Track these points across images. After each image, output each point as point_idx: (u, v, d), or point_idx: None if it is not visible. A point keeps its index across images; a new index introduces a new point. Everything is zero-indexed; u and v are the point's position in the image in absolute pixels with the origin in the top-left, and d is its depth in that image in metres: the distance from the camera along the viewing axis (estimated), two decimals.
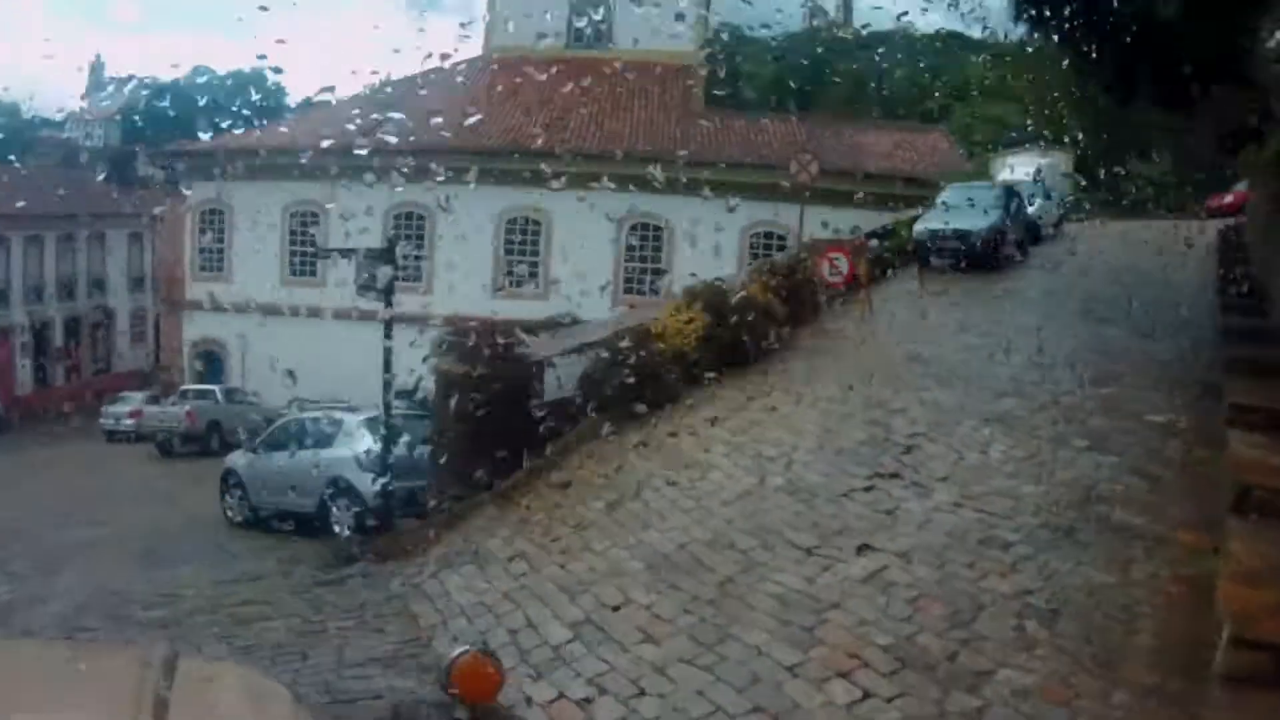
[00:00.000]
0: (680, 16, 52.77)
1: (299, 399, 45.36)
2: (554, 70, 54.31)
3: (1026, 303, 28.56)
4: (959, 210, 34.20)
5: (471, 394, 18.53)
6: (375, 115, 48.09)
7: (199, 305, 52.81)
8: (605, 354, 21.05)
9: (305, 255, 52.33)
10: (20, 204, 57.54)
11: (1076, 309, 26.58)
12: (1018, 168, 39.53)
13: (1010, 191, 36.64)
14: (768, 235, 50.06)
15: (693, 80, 54.01)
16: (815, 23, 73.57)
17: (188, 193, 54.74)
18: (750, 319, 22.61)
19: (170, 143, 52.45)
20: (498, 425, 18.42)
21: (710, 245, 46.56)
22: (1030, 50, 47.88)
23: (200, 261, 54.69)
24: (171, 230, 56.69)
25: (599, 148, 48.36)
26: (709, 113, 51.40)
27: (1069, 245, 38.06)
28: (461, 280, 46.19)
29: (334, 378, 45.46)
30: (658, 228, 49.49)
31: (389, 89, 48.00)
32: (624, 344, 20.61)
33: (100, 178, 71.95)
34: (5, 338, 64.73)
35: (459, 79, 56.12)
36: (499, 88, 53.62)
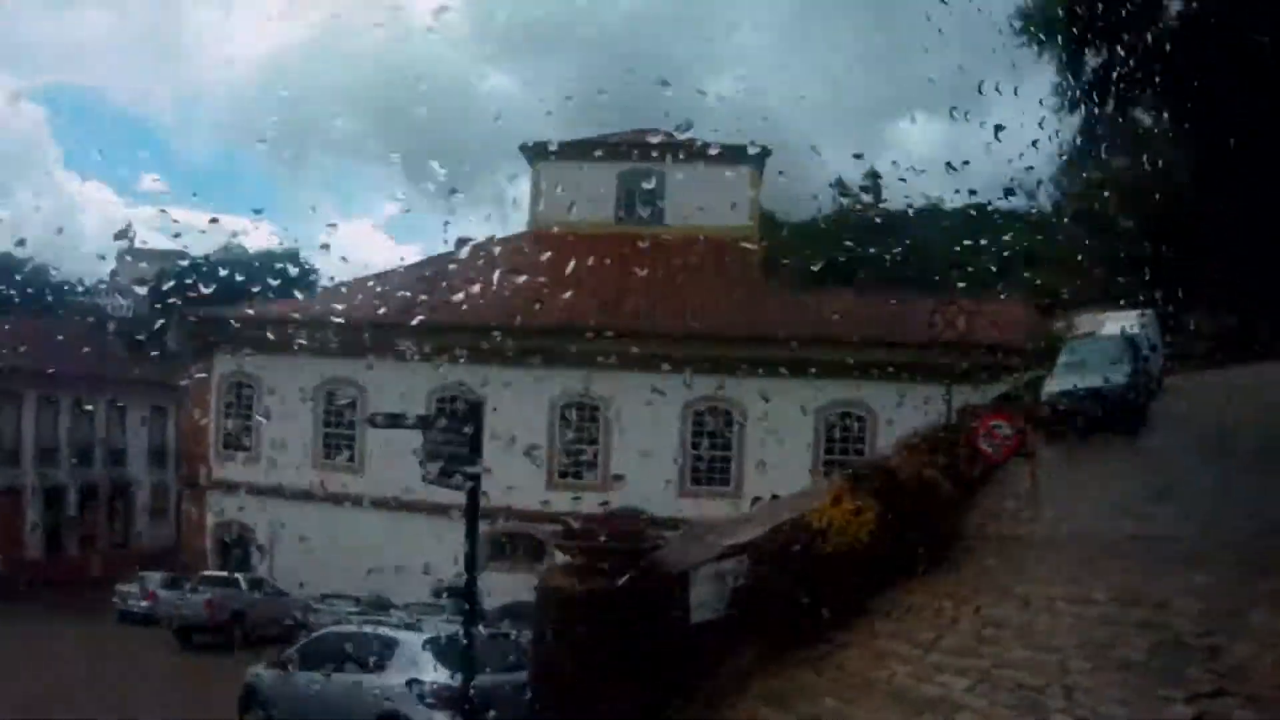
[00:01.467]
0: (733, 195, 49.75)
1: (331, 595, 42.40)
2: (603, 248, 51.12)
3: (1188, 458, 25.80)
4: (1088, 368, 31.41)
5: (593, 616, 14.38)
6: (408, 293, 45.60)
7: (225, 485, 50.83)
8: (758, 559, 16.25)
9: (340, 437, 50.25)
10: (28, 357, 54.71)
11: (1247, 464, 23.13)
12: (1108, 325, 36.35)
13: (1134, 344, 33.96)
14: (845, 416, 48.32)
15: (749, 256, 50.65)
16: (845, 202, 72.69)
17: (201, 370, 53.81)
18: (922, 505, 18.13)
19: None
20: (627, 658, 14.25)
21: (784, 429, 45.13)
22: (1067, 219, 49.92)
23: (226, 438, 52.22)
24: (196, 404, 53.76)
25: (658, 328, 47.10)
26: (768, 289, 48.12)
27: (1174, 397, 34.90)
28: (517, 468, 42.67)
29: (370, 573, 42.54)
30: (727, 411, 46.17)
31: (427, 270, 47.18)
32: (784, 544, 16.13)
33: (126, 345, 69.76)
34: (13, 497, 62.32)
35: (501, 256, 53.31)
36: (546, 263, 51.79)
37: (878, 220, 61.03)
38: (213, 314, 49.03)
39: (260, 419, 51.65)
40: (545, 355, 42.69)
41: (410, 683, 21.38)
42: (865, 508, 17.07)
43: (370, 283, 46.70)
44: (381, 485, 44.05)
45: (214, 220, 60.58)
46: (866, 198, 68.22)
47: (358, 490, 45.77)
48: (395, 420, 27.79)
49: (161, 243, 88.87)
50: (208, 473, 52.08)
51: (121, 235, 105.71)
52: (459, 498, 44.72)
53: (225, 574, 46.96)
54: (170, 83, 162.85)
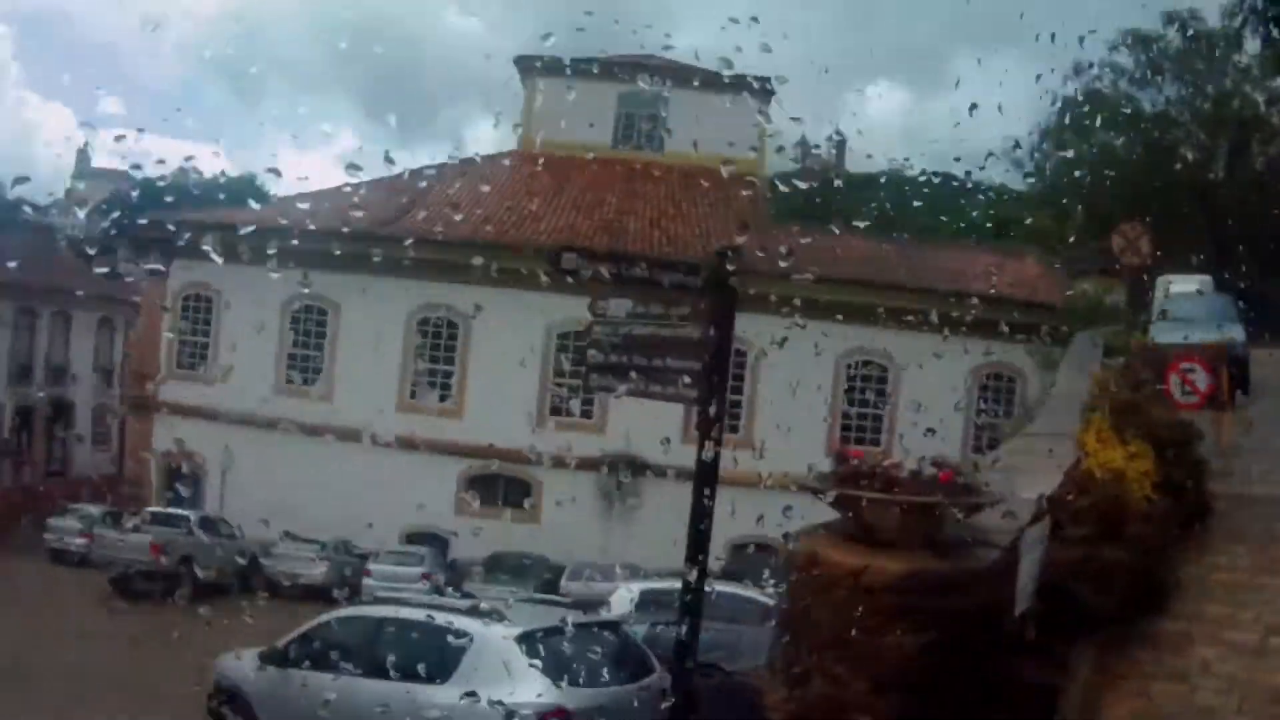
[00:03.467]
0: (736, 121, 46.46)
1: (292, 535, 38.72)
2: (599, 171, 47.90)
3: None
4: (1197, 324, 28.24)
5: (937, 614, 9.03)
6: (382, 205, 42.18)
7: (175, 409, 47.75)
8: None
9: (307, 360, 47.45)
10: None
11: None
12: (1175, 287, 33.44)
13: (1236, 302, 32.05)
14: (866, 364, 46.32)
15: (753, 189, 47.80)
16: (808, 163, 70.97)
17: (155, 281, 51.01)
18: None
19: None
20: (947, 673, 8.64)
21: (797, 377, 40.65)
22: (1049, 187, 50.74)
23: (179, 357, 49.16)
24: (148, 312, 51.56)
25: (664, 254, 43.17)
26: (774, 224, 44.57)
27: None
28: (498, 405, 39.03)
29: (336, 515, 41.75)
30: (739, 352, 42.55)
31: (416, 178, 44.75)
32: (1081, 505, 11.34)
33: (76, 258, 67.70)
34: None
35: (490, 173, 52.55)
36: (541, 183, 50.12)
37: (838, 184, 59.09)
38: (169, 219, 44.84)
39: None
40: (540, 278, 38.78)
41: (496, 705, 13.75)
42: (1139, 451, 12.40)
43: (341, 191, 42.47)
44: (351, 415, 41.96)
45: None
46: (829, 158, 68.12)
47: (325, 420, 42.25)
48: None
49: (117, 165, 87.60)
50: (156, 394, 48.50)
51: (80, 156, 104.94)
52: (430, 430, 41.27)
53: (173, 510, 43.38)
54: (136, 7, 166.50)
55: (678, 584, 23.74)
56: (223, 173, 69.28)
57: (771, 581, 33.19)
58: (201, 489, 46.68)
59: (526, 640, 14.99)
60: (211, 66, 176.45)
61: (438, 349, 46.26)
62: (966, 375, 44.18)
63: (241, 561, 40.78)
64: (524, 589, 37.07)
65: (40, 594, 37.92)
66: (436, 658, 15.05)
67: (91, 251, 72.73)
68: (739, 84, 47.45)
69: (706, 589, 10.98)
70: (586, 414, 45.18)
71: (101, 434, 68.45)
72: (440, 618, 16.29)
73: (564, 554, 39.88)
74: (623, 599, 27.48)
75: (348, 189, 42.66)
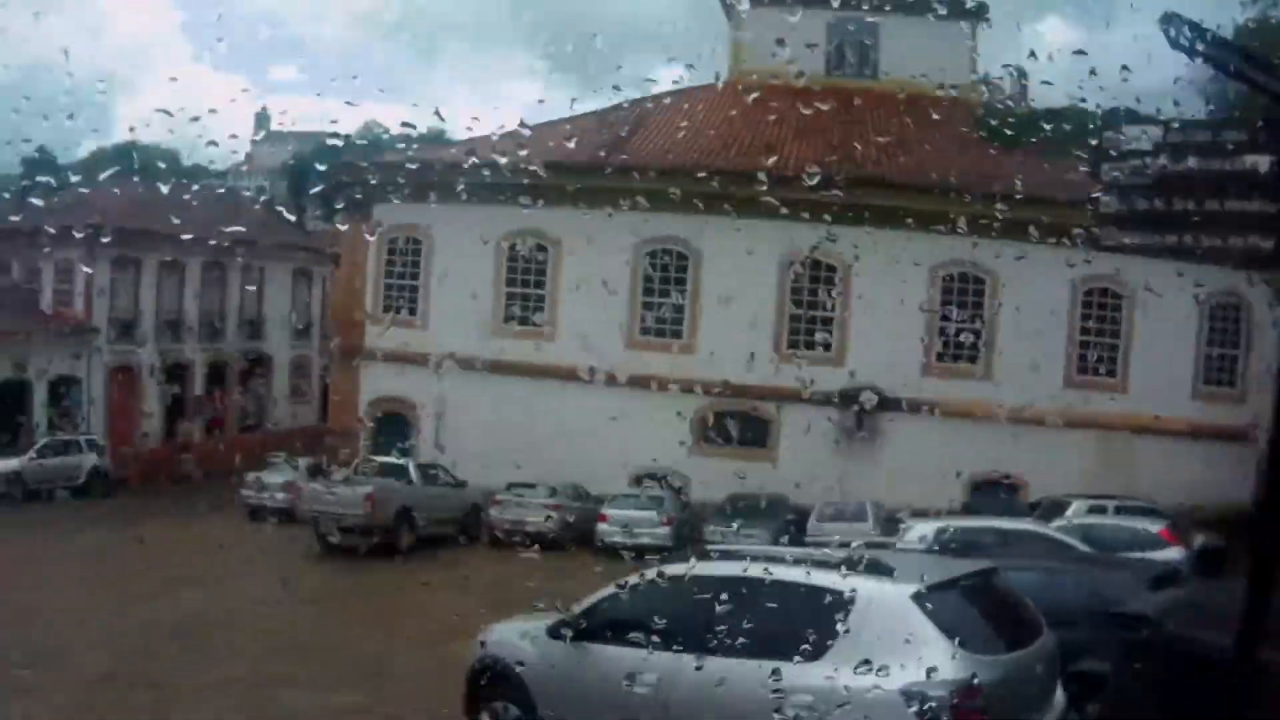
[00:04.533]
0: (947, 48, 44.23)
1: (519, 484, 37.30)
2: (813, 100, 46.16)
3: None
4: None
5: None
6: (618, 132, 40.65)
7: (384, 355, 46.61)
8: None
9: (525, 299, 46.19)
10: (148, 220, 49.14)
11: None
12: None
13: None
14: (1103, 293, 44.16)
15: (970, 115, 45.59)
16: (992, 95, 68.78)
17: (358, 225, 48.24)
18: None
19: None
20: None
21: (1038, 302, 40.48)
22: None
23: (386, 302, 47.67)
24: (351, 260, 49.72)
25: (897, 177, 42.70)
26: (997, 151, 42.54)
27: None
28: (732, 338, 37.38)
29: (561, 459, 40.00)
30: (979, 279, 40.45)
31: (626, 111, 44.07)
32: None
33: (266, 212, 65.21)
34: (129, 376, 58.81)
35: (705, 105, 50.95)
36: (759, 113, 48.21)
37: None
38: (371, 160, 43.52)
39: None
40: (768, 206, 36.82)
41: (910, 695, 10.56)
42: None
43: (551, 127, 40.76)
44: (576, 354, 40.20)
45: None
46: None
47: (547, 360, 41.94)
48: None
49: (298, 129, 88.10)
50: (362, 342, 47.48)
51: (260, 121, 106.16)
52: (661, 367, 39.47)
53: (392, 459, 41.60)
54: None
55: (971, 523, 21.08)
56: (409, 128, 68.50)
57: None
58: (414, 437, 45.86)
59: (930, 598, 11.52)
60: (387, 29, 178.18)
61: (666, 282, 44.85)
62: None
63: (464, 511, 39.61)
64: (766, 531, 35.34)
65: (242, 552, 36.92)
66: (805, 626, 11.38)
67: (280, 208, 71.98)
68: (951, 10, 45.36)
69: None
70: (825, 345, 43.62)
71: (300, 386, 68.42)
72: (806, 574, 12.24)
73: (803, 493, 38.01)
74: (913, 541, 25.06)
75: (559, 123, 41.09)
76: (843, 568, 11.83)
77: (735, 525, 36.15)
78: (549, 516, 37.64)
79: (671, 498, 40.34)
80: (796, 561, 12.91)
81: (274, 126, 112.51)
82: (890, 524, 35.08)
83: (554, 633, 13.38)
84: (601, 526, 37.95)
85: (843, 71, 51.42)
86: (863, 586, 11.48)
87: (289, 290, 67.42)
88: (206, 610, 25.89)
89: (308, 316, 68.50)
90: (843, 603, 11.38)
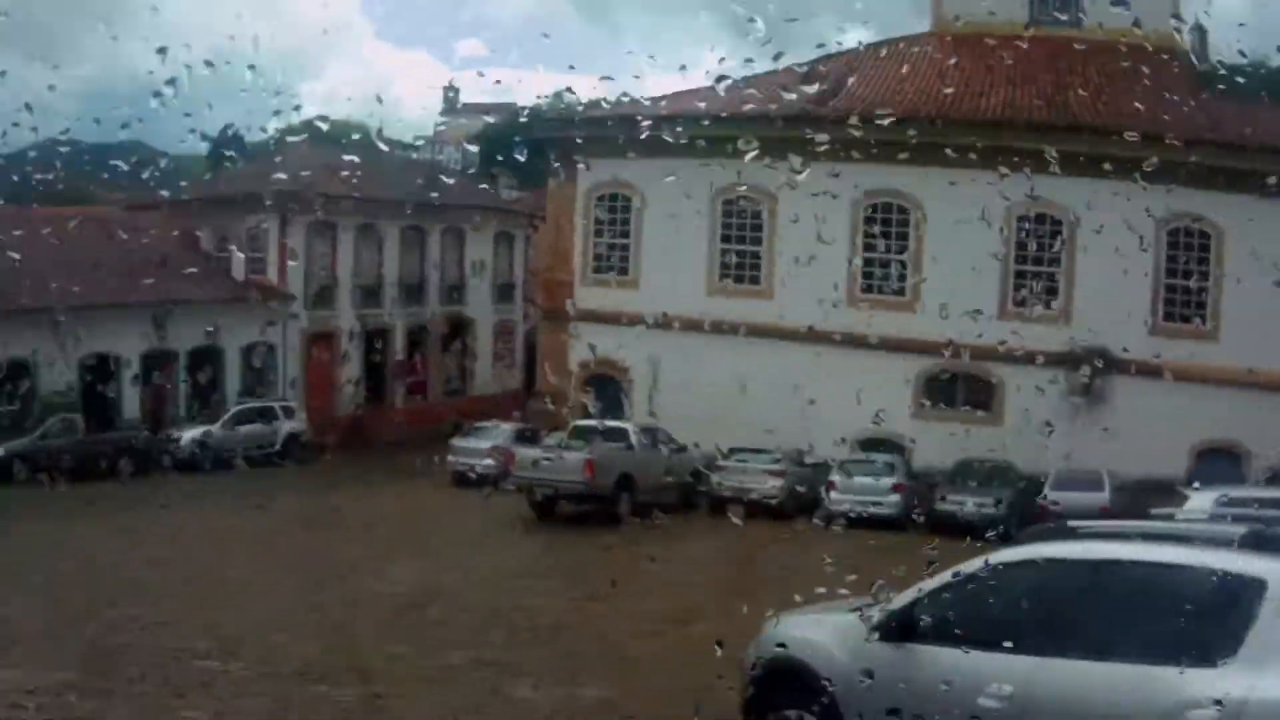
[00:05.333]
0: None
1: (740, 449, 36.66)
2: (1018, 49, 44.57)
3: None
4: None
5: None
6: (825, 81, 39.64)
7: (593, 317, 45.32)
8: None
9: (742, 255, 45.32)
10: (344, 185, 48.66)
11: None
12: None
13: None
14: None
15: (1180, 64, 43.40)
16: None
17: (563, 182, 48.51)
18: None
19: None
20: None
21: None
22: None
23: (595, 262, 47.67)
24: (557, 220, 49.62)
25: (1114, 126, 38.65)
26: (1211, 102, 40.78)
27: None
28: (955, 295, 37.11)
29: (778, 422, 38.79)
30: (1204, 234, 38.76)
31: (829, 62, 41.92)
32: None
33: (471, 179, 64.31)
34: (327, 342, 59.36)
35: (908, 56, 49.40)
36: (964, 62, 46.98)
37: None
38: (577, 116, 42.85)
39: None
40: (986, 156, 35.48)
41: None
42: None
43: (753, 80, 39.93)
44: (792, 312, 40.22)
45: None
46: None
47: (762, 319, 41.02)
48: None
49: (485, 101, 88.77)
50: (572, 302, 47.26)
51: (446, 95, 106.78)
52: (882, 326, 38.17)
53: (608, 423, 40.76)
54: None
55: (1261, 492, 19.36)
56: (608, 79, 67.95)
57: None
58: (626, 400, 45.76)
59: None
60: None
61: (888, 236, 44.05)
62: None
63: (686, 478, 38.81)
64: (992, 499, 34.21)
65: (451, 521, 36.90)
66: (1209, 621, 9.30)
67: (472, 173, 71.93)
68: None
69: None
70: (1048, 303, 42.37)
71: (503, 350, 68.35)
72: (1200, 557, 9.82)
73: (1029, 459, 36.83)
74: (1196, 509, 23.30)
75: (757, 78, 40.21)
76: (1238, 545, 9.73)
77: (970, 493, 35.11)
78: (775, 484, 36.77)
79: (901, 463, 39.39)
80: (1182, 540, 10.58)
81: (462, 100, 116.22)
82: (1120, 493, 33.94)
83: (881, 630, 10.74)
84: (832, 495, 37.02)
85: (1046, 21, 49.58)
86: (1273, 571, 9.15)
87: (490, 253, 67.13)
88: (417, 587, 24.84)
89: (510, 279, 68.47)
90: (1253, 590, 9.08)
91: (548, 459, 36.92)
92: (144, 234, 51.82)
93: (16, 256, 42.71)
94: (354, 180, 47.66)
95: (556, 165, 47.45)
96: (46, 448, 43.46)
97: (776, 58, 39.20)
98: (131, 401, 50.89)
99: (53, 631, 19.29)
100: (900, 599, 10.85)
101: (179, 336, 51.71)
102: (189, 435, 48.13)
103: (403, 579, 25.71)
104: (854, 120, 37.44)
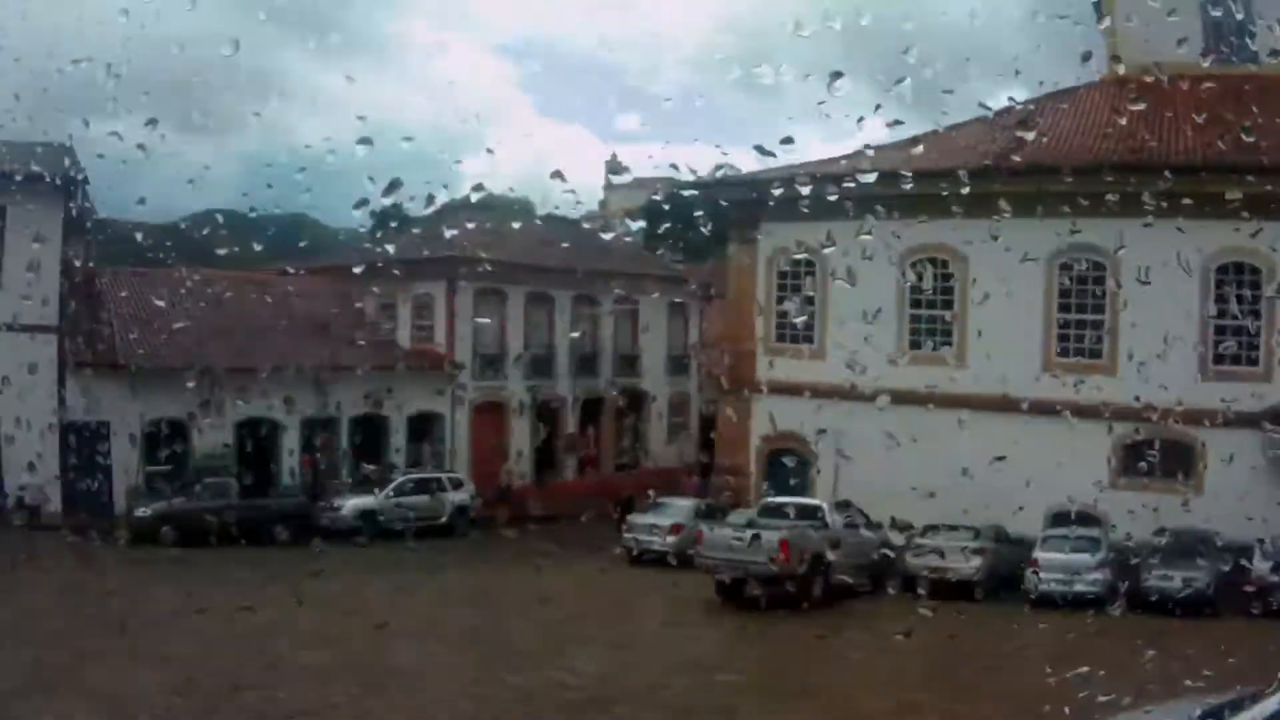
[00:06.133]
0: None
1: (935, 526, 37.98)
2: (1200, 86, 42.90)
3: None
4: None
5: None
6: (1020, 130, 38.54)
7: (774, 387, 44.77)
8: None
9: (930, 320, 44.30)
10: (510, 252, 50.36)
11: None
12: None
13: None
14: None
15: None
16: None
17: (742, 249, 47.77)
18: None
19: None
20: None
21: None
22: None
23: (777, 330, 46.79)
24: (737, 288, 49.20)
25: None
26: None
27: None
28: (1154, 355, 35.67)
29: (972, 496, 36.18)
30: None
31: (1008, 116, 40.26)
32: None
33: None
34: (496, 413, 58.93)
35: (1088, 103, 48.16)
36: (1146, 106, 44.74)
37: None
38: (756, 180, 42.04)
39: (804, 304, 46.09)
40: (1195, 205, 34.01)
41: None
42: None
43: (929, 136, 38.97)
44: (984, 379, 39.01)
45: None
46: None
47: (950, 387, 39.33)
48: None
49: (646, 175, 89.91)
50: (753, 373, 46.03)
51: (613, 167, 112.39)
52: (1076, 392, 36.48)
53: (798, 500, 39.21)
54: (631, 26, 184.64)
55: None
56: (767, 155, 66.96)
57: None
58: (809, 475, 44.04)
59: None
60: (717, 72, 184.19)
61: (1084, 295, 42.11)
62: None
63: (880, 557, 37.59)
64: (1199, 572, 32.48)
65: (630, 603, 36.23)
66: None
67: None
68: None
69: None
70: (1251, 360, 40.17)
71: (678, 423, 67.43)
72: None
73: (1232, 527, 34.99)
74: None
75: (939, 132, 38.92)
76: None
77: (1175, 568, 33.24)
78: (975, 563, 35.23)
79: (1103, 538, 37.38)
80: None
81: (624, 175, 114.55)
82: None
83: None
84: (1032, 573, 35.04)
85: (1219, 59, 47.81)
86: None
87: (664, 324, 66.52)
88: (601, 680, 23.61)
89: (683, 350, 67.75)
90: None
91: (738, 539, 34.85)
92: (306, 299, 51.95)
93: (176, 320, 43.07)
94: (522, 249, 47.30)
95: (735, 232, 46.82)
96: (197, 510, 43.05)
97: (936, 124, 37.74)
98: (290, 467, 51.35)
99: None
100: None
101: (341, 403, 52.09)
102: (351, 504, 47.86)
103: (584, 669, 24.45)
104: (1044, 172, 36.49)
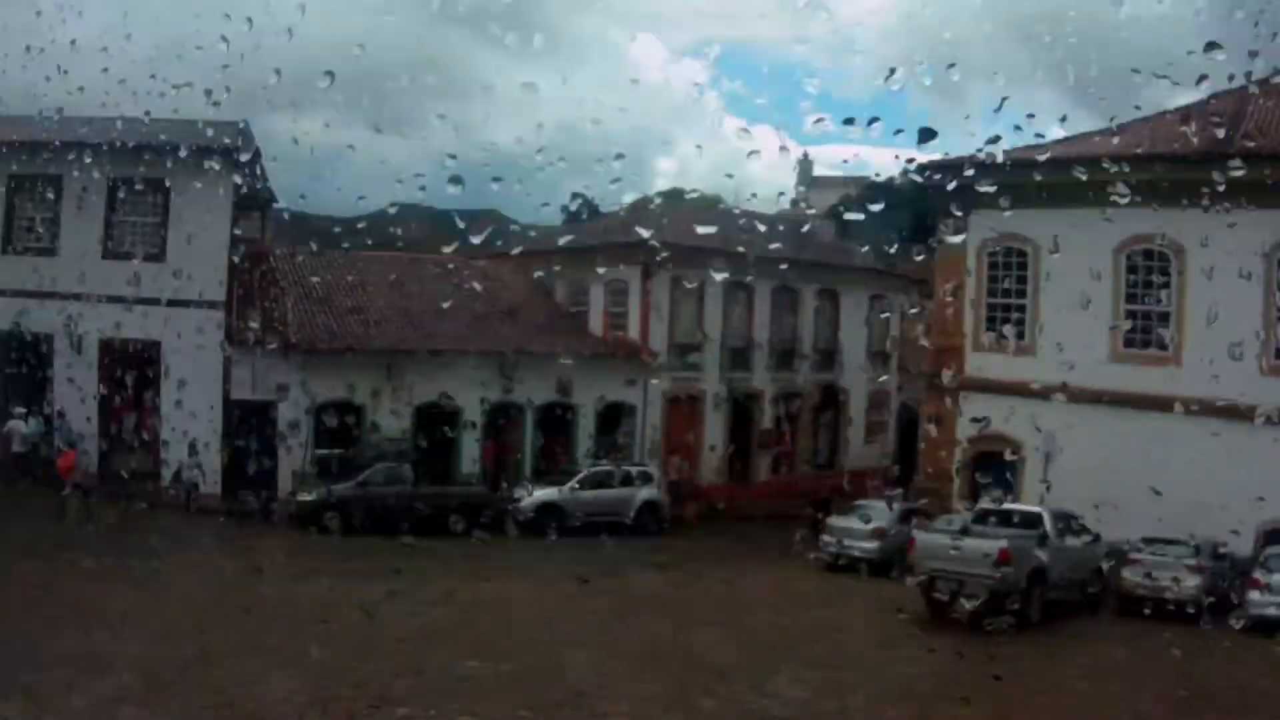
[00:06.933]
0: None
1: (1153, 538, 34.49)
2: None
3: None
4: None
5: None
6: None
7: (982, 386, 42.90)
8: None
9: (1147, 316, 41.53)
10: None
11: None
12: None
13: None
14: None
15: None
16: None
17: (950, 236, 44.28)
18: None
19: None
20: None
21: None
22: None
23: (986, 325, 45.04)
24: (943, 281, 47.58)
25: None
26: None
27: None
28: None
29: (1186, 504, 33.12)
30: None
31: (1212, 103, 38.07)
32: None
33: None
34: (692, 406, 57.60)
35: None
36: None
37: None
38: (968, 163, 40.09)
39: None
40: None
41: None
42: None
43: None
44: (1205, 381, 34.75)
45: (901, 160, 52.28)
46: None
47: (1172, 389, 36.34)
48: None
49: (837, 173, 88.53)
50: (957, 370, 44.48)
51: (801, 168, 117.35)
52: None
53: (1017, 507, 36.92)
54: (819, 26, 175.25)
55: None
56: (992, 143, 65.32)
57: None
58: (1016, 480, 41.54)
59: None
60: (907, 72, 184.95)
61: None
62: None
63: (1098, 572, 35.06)
64: None
65: (830, 616, 33.83)
66: None
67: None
68: None
69: None
70: None
71: (876, 422, 65.99)
72: None
73: None
74: None
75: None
76: None
77: None
78: (1193, 582, 32.67)
79: None
80: None
81: (815, 172, 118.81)
82: None
83: None
84: (1254, 595, 31.85)
85: None
86: None
87: (863, 317, 64.52)
88: (811, 711, 21.43)
89: (883, 345, 66.01)
90: None
91: (955, 546, 31.86)
92: (493, 282, 51.06)
93: (354, 300, 42.57)
94: (719, 239, 45.83)
95: (942, 221, 44.64)
96: (366, 496, 42.91)
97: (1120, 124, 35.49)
98: (470, 454, 50.66)
99: None
100: None
101: (526, 390, 51.31)
102: (533, 496, 46.79)
103: (789, 695, 22.12)
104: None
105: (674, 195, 49.18)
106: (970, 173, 40.00)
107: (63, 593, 26.46)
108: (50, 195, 46.39)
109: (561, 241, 52.67)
